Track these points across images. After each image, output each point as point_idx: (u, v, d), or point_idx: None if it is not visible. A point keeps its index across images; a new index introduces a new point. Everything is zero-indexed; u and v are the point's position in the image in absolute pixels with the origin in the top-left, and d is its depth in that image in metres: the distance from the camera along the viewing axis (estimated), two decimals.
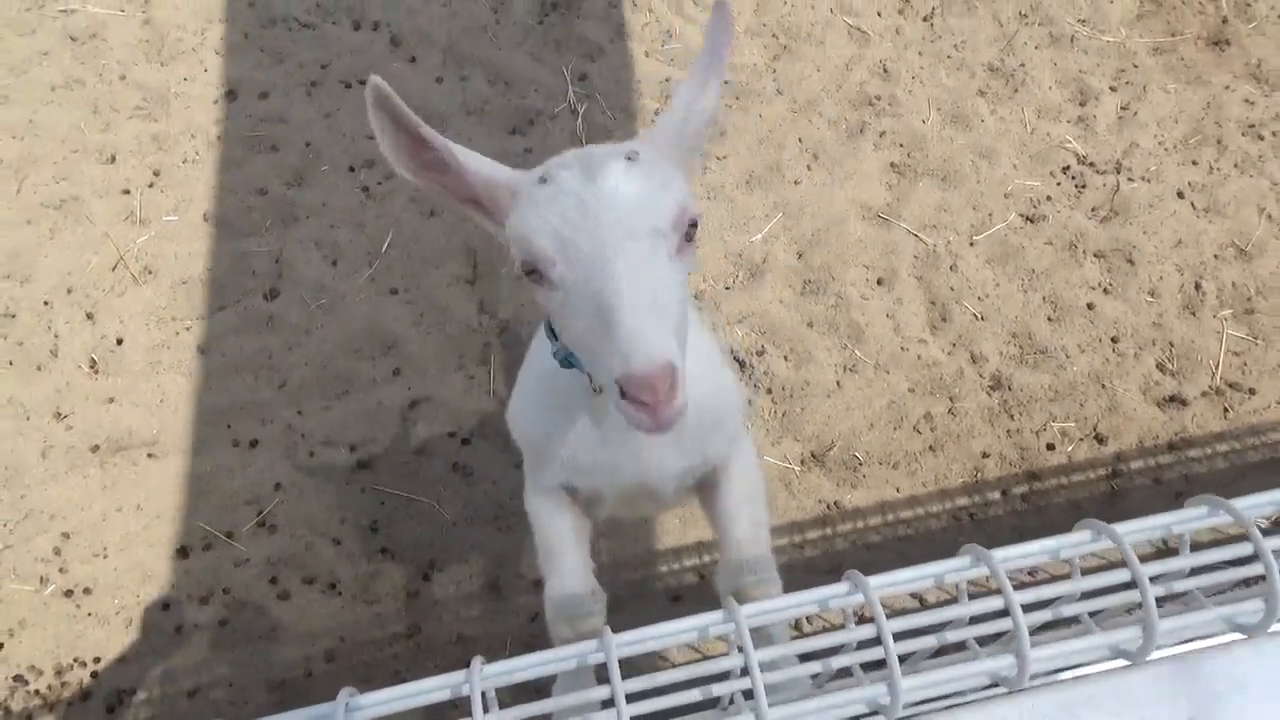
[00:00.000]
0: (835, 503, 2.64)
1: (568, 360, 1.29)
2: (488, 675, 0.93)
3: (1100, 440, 2.75)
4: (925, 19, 3.44)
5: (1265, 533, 0.95)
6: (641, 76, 3.28)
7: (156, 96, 3.21)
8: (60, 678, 2.39)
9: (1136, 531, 1.00)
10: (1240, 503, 0.99)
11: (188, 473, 2.63)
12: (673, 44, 3.36)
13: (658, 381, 0.99)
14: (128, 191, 3.05)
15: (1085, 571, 0.99)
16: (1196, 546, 1.00)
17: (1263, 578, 0.93)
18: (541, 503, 1.53)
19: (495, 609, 2.49)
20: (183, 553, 2.53)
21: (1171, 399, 2.81)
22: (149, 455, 2.65)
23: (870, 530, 2.64)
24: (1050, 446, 2.74)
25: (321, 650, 2.43)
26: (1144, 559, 0.93)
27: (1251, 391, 2.81)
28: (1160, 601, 0.92)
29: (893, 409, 2.78)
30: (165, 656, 2.42)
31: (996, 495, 2.68)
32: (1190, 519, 1.00)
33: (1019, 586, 0.94)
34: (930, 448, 2.74)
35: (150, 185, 3.06)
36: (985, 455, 2.72)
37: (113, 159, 3.10)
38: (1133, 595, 0.94)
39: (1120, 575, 0.95)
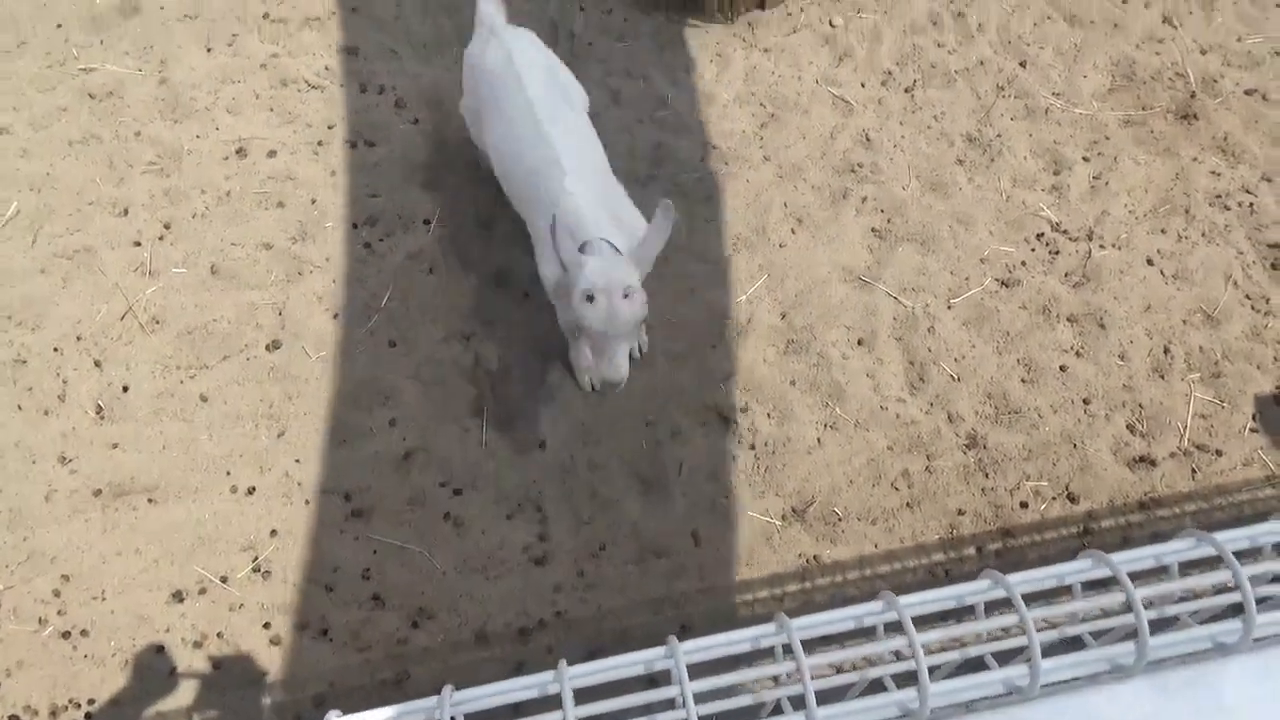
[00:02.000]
0: (815, 557, 2.73)
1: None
2: (457, 701, 1.03)
3: (1072, 499, 2.84)
4: (906, 90, 3.61)
5: (1242, 561, 1.10)
6: (637, 141, 3.42)
7: (170, 153, 3.35)
8: (55, 718, 2.45)
9: (1131, 560, 1.13)
10: (1221, 535, 1.13)
11: (186, 518, 2.71)
12: (665, 111, 3.51)
13: (621, 381, 2.30)
14: (139, 243, 3.17)
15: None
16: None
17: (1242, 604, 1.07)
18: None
19: (483, 657, 2.56)
20: (179, 597, 2.61)
21: (1141, 459, 2.91)
22: (149, 500, 2.73)
23: (849, 584, 2.72)
24: (1024, 505, 2.83)
25: (310, 695, 2.49)
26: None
27: (1218, 453, 2.91)
28: (1152, 624, 1.06)
29: (872, 466, 2.87)
30: (158, 699, 2.48)
31: (971, 551, 2.76)
32: (1178, 550, 1.14)
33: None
34: (908, 504, 2.83)
35: (160, 238, 3.18)
36: (961, 512, 2.81)
37: (125, 212, 3.22)
38: (1128, 617, 1.08)
39: (1117, 598, 1.09)
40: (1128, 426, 2.96)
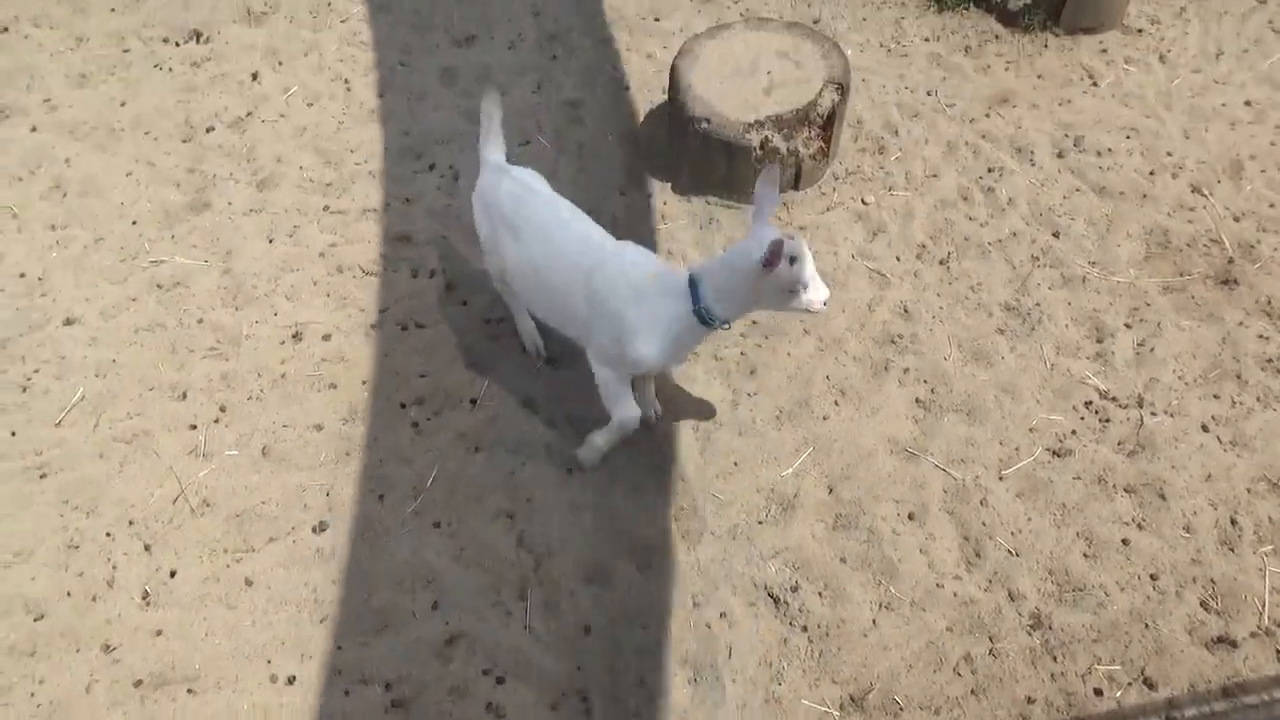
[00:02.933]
0: None
1: (704, 317, 2.64)
2: None
3: (1150, 685, 2.68)
4: (941, 262, 3.68)
5: None
6: None
7: (229, 338, 3.49)
8: None
9: None
10: None
11: (225, 710, 2.65)
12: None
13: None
14: (194, 426, 3.25)
15: None
16: None
17: None
18: (627, 392, 2.90)
19: None
20: None
21: (1220, 640, 2.75)
22: (189, 691, 2.68)
23: None
24: (1098, 692, 2.67)
25: None
26: None
27: None
28: None
29: (931, 649, 2.74)
30: None
31: None
32: None
33: None
34: (972, 691, 2.68)
35: (216, 420, 3.27)
36: (1030, 700, 2.65)
37: (184, 395, 3.33)
38: None
39: None
40: (1201, 604, 2.81)
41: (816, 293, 2.60)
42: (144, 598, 2.86)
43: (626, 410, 2.89)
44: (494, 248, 3.05)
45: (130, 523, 3.02)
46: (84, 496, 3.07)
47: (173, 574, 2.90)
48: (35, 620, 2.80)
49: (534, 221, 2.88)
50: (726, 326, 2.70)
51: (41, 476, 3.11)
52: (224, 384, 3.36)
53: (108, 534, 2.99)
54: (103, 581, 2.89)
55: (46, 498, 3.06)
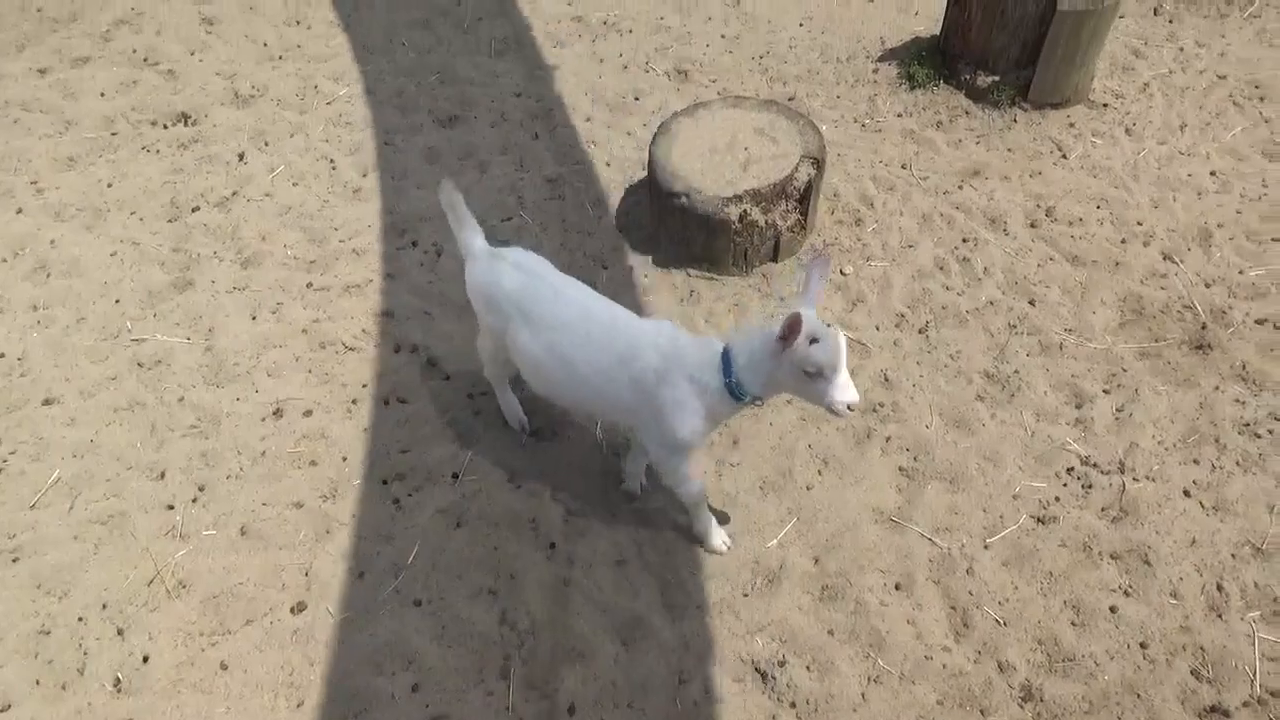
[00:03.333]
0: None
1: (736, 392, 2.57)
2: None
3: None
4: (920, 331, 3.72)
5: None
6: None
7: (210, 416, 3.47)
8: None
9: None
10: None
11: None
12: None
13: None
14: (171, 507, 3.21)
15: None
16: None
17: None
18: (684, 465, 2.82)
19: None
20: None
21: (1212, 709, 2.71)
22: None
23: None
24: None
25: None
26: None
27: None
28: None
29: None
30: None
31: None
32: None
33: None
34: None
35: (194, 500, 3.23)
36: None
37: (162, 475, 3.30)
38: None
39: None
40: (1192, 672, 2.78)
41: (843, 392, 2.41)
42: (115, 685, 2.78)
43: (692, 484, 2.85)
44: (500, 339, 2.93)
45: (104, 606, 2.95)
46: (57, 580, 3.01)
47: (145, 659, 2.83)
48: (2, 711, 2.72)
49: (554, 312, 2.77)
50: (759, 403, 2.62)
51: (14, 560, 3.05)
52: (203, 462, 3.33)
53: (80, 619, 2.92)
54: (74, 669, 2.82)
55: (18, 581, 3.00)
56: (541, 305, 2.77)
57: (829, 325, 2.41)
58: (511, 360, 2.98)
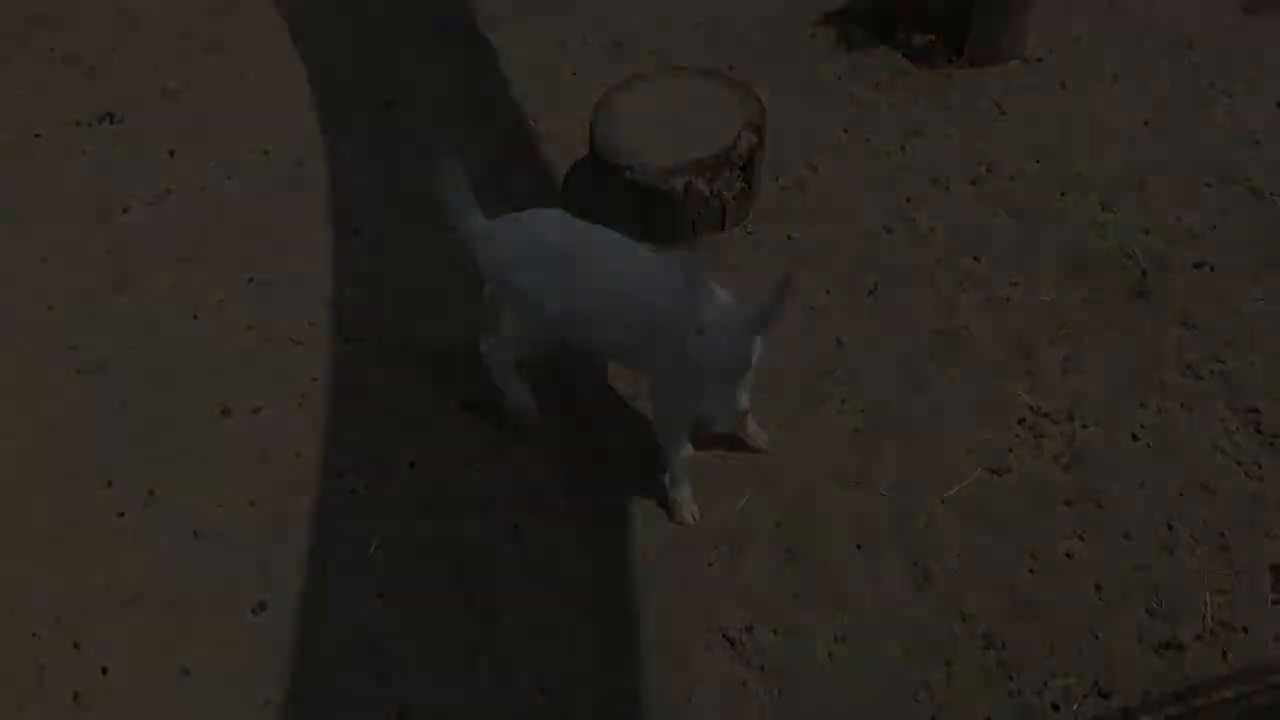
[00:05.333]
0: None
1: None
2: None
3: (1104, 695, 2.69)
4: (870, 292, 3.74)
5: None
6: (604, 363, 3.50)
7: (155, 420, 3.39)
8: None
9: None
10: None
11: None
12: None
13: None
14: (122, 514, 3.14)
15: None
16: None
17: None
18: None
19: None
20: None
21: (1167, 645, 2.78)
22: None
23: None
24: (1055, 707, 2.68)
25: None
26: None
27: (1245, 630, 2.79)
28: None
29: (889, 678, 2.73)
30: None
31: None
32: None
33: None
34: (933, 717, 2.67)
35: (145, 506, 3.17)
36: None
37: (109, 483, 3.22)
38: None
39: None
40: (1147, 610, 2.85)
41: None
42: (75, 698, 2.73)
43: (685, 449, 3.02)
44: (540, 302, 2.88)
45: (57, 620, 2.89)
46: (6, 597, 2.94)
47: (104, 671, 2.78)
48: None
49: (604, 255, 2.88)
50: None
51: None
52: (152, 467, 3.26)
53: (33, 634, 2.86)
54: (31, 686, 2.76)
55: None
56: (593, 250, 2.88)
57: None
58: (553, 326, 2.94)
